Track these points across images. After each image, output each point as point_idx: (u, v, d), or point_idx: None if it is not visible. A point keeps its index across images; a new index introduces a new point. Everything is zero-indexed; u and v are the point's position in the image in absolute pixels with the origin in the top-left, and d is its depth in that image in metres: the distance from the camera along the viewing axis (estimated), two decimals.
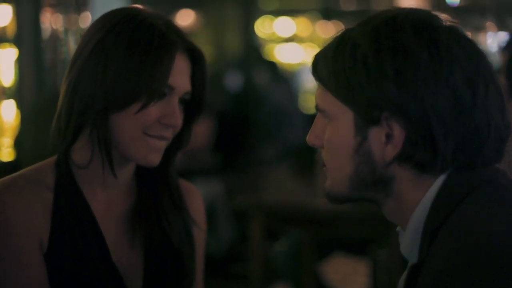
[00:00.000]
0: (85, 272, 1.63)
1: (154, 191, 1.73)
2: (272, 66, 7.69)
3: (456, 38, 1.29)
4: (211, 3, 8.53)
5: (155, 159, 1.63)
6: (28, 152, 4.52)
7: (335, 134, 1.33)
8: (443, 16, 1.33)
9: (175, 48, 1.60)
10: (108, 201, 1.69)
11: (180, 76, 1.62)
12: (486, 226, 1.19)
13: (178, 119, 1.62)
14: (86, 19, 6.10)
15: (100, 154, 1.62)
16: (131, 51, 1.58)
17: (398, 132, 1.27)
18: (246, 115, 7.29)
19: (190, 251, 1.75)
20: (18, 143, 5.10)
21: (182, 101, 1.64)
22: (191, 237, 1.76)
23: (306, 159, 4.70)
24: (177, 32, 1.63)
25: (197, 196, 1.84)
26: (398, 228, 1.40)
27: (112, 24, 1.61)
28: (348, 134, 1.31)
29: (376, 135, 1.29)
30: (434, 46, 1.26)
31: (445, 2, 8.54)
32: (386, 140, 1.29)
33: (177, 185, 1.76)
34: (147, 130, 1.60)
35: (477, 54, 1.30)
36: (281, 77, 7.58)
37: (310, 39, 9.57)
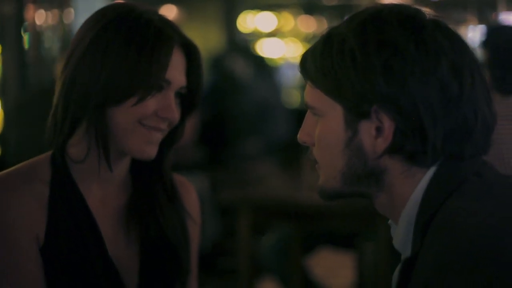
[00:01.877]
0: (82, 267, 1.64)
1: (149, 186, 1.75)
2: (257, 61, 7.69)
3: (441, 30, 1.31)
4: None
5: (151, 151, 1.64)
6: (13, 148, 4.50)
7: (326, 130, 1.35)
8: (426, 10, 1.35)
9: (172, 43, 1.62)
10: (103, 196, 1.70)
11: (176, 70, 1.64)
12: (477, 220, 1.21)
13: (175, 112, 1.64)
14: (69, 15, 6.08)
15: (97, 148, 1.63)
16: (128, 45, 1.60)
17: (388, 124, 1.28)
18: (230, 110, 7.29)
19: (186, 245, 1.76)
20: (3, 140, 5.08)
21: (178, 95, 1.66)
22: (186, 231, 1.78)
23: (291, 154, 4.71)
24: (173, 27, 1.65)
25: (191, 190, 1.85)
26: (389, 221, 1.42)
27: (109, 20, 1.62)
28: (339, 129, 1.33)
29: (366, 128, 1.31)
30: (420, 38, 1.28)
31: None
32: (376, 133, 1.30)
33: (171, 179, 1.78)
34: (143, 120, 1.62)
35: (462, 46, 1.32)
36: (266, 72, 7.58)
37: (293, 34, 9.57)
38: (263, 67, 7.69)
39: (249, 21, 9.44)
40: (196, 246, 1.84)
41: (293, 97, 8.67)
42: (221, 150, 6.72)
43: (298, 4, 9.63)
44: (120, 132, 1.62)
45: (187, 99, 1.69)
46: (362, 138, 1.32)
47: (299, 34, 9.56)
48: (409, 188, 1.31)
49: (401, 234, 1.33)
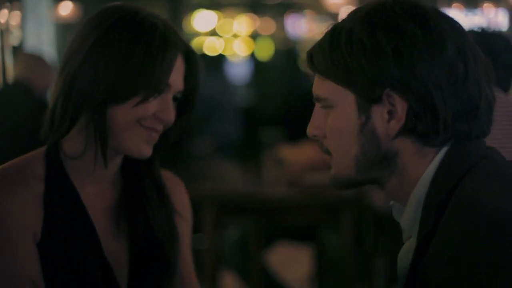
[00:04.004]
0: (77, 262, 1.66)
1: (139, 183, 1.77)
2: (204, 60, 7.70)
3: (442, 16, 1.39)
4: None
5: (147, 150, 1.67)
6: None
7: (339, 118, 1.40)
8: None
9: (177, 49, 1.65)
10: (96, 192, 1.72)
11: (177, 75, 1.66)
12: (497, 198, 1.27)
13: (172, 115, 1.66)
14: (17, 17, 6.04)
15: (95, 146, 1.65)
16: (134, 46, 1.62)
17: (401, 106, 1.34)
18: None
19: (173, 242, 1.78)
20: None
21: (174, 98, 1.68)
22: (173, 227, 1.79)
23: (248, 151, 4.75)
24: (176, 33, 1.68)
25: (181, 187, 1.86)
26: (392, 202, 1.46)
27: (113, 20, 1.64)
28: (352, 116, 1.38)
29: (378, 113, 1.37)
30: (425, 24, 1.36)
31: None
32: (389, 117, 1.36)
33: (160, 175, 1.79)
34: (142, 121, 1.64)
35: (461, 30, 1.40)
36: (215, 71, 7.60)
37: (238, 33, 9.62)
38: (210, 66, 7.71)
39: (195, 20, 9.45)
40: (189, 242, 1.85)
41: (241, 95, 8.70)
42: (171, 149, 6.71)
43: (242, 3, 9.67)
44: (119, 131, 1.64)
45: (182, 103, 1.72)
46: (375, 122, 1.37)
47: (244, 33, 9.62)
48: (421, 169, 1.37)
49: (410, 214, 1.38)
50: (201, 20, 9.50)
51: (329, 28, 1.44)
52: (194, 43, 9.00)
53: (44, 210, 1.65)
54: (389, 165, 1.39)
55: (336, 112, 1.41)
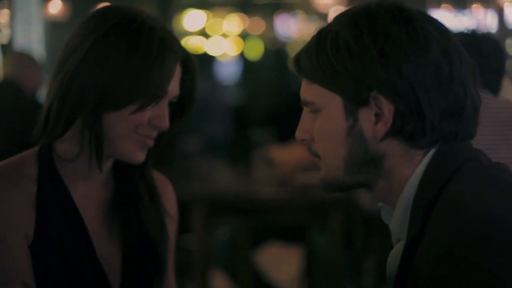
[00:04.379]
0: (69, 264, 1.65)
1: (131, 183, 1.76)
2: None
3: (427, 18, 1.41)
4: None
5: (141, 156, 1.67)
6: None
7: (327, 122, 1.41)
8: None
9: (176, 55, 1.64)
10: (88, 193, 1.71)
11: (174, 81, 1.65)
12: (482, 201, 1.29)
13: (167, 122, 1.65)
14: (5, 15, 6.03)
15: (89, 149, 1.64)
16: (132, 52, 1.60)
17: (388, 108, 1.36)
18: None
19: (164, 241, 1.78)
20: None
21: (169, 103, 1.67)
22: (164, 227, 1.79)
23: (237, 151, 4.75)
24: (175, 38, 1.66)
25: (169, 187, 1.86)
26: (380, 204, 1.47)
27: (112, 24, 1.62)
28: (339, 119, 1.39)
29: (365, 115, 1.38)
30: (410, 26, 1.37)
31: None
32: (376, 119, 1.37)
33: (152, 177, 1.79)
34: (138, 129, 1.63)
35: (447, 32, 1.41)
36: (204, 70, 7.61)
37: (227, 32, 9.63)
38: (199, 65, 7.70)
39: (184, 20, 9.45)
40: (174, 242, 1.85)
41: (231, 94, 8.70)
42: (161, 148, 6.69)
43: (232, 3, 9.68)
44: (114, 137, 1.63)
45: (177, 107, 1.71)
46: (362, 125, 1.38)
47: (234, 32, 9.62)
48: (408, 171, 1.39)
49: (398, 217, 1.40)
50: (191, 20, 9.50)
51: (316, 32, 1.45)
52: (184, 43, 8.99)
53: (36, 211, 1.65)
54: (376, 168, 1.40)
55: (323, 115, 1.42)
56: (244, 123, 7.07)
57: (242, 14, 9.64)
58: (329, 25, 1.44)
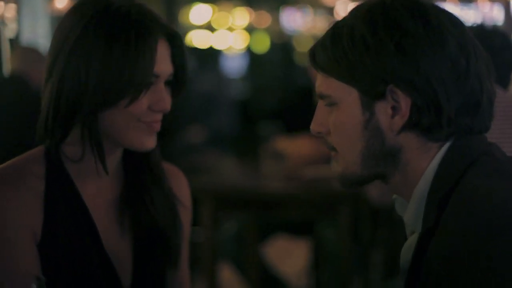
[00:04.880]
0: (79, 262, 1.65)
1: (139, 173, 1.75)
2: (201, 52, 7.69)
3: (442, 12, 1.41)
4: None
5: (151, 143, 1.65)
6: None
7: (343, 115, 1.42)
8: None
9: (155, 37, 1.60)
10: (98, 189, 1.70)
11: (163, 62, 1.62)
12: (497, 195, 1.29)
13: (168, 103, 1.63)
14: (12, 9, 6.02)
15: (92, 150, 1.63)
16: (110, 47, 1.57)
17: (405, 102, 1.37)
18: (174, 101, 7.26)
19: (176, 231, 1.77)
20: None
21: (167, 82, 1.65)
22: (176, 216, 1.78)
23: (245, 144, 4.74)
24: (152, 17, 1.61)
25: (181, 177, 1.85)
26: (395, 196, 1.48)
27: (87, 19, 1.59)
28: (356, 113, 1.40)
29: (382, 109, 1.39)
30: (426, 20, 1.38)
31: None
32: (393, 112, 1.38)
33: (160, 166, 1.77)
34: (141, 118, 1.62)
35: (462, 25, 1.42)
36: (210, 63, 7.60)
37: (233, 26, 9.61)
38: (205, 59, 7.70)
39: (191, 14, 9.44)
40: (188, 231, 1.85)
41: (237, 88, 8.70)
42: (166, 141, 6.71)
43: None
44: (118, 131, 1.62)
45: (174, 85, 1.68)
46: (379, 118, 1.39)
47: (239, 26, 9.61)
48: (424, 164, 1.39)
49: (413, 209, 1.41)
50: (197, 14, 9.48)
51: (331, 26, 1.45)
52: (190, 37, 8.99)
53: (44, 209, 1.64)
54: (393, 161, 1.41)
55: (340, 109, 1.42)
56: (251, 116, 7.07)
57: (248, 8, 9.63)
58: (344, 19, 1.44)
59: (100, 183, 1.71)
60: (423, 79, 1.35)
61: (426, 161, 1.39)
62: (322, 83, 1.45)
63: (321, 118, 1.46)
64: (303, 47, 9.46)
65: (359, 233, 4.09)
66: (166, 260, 1.76)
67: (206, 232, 4.14)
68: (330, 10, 8.96)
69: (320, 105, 1.47)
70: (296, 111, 4.67)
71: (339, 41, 1.40)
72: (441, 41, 1.37)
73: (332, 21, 1.48)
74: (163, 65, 1.63)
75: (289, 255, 5.21)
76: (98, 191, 1.71)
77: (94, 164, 1.65)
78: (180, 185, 1.84)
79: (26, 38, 6.40)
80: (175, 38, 1.66)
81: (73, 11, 1.65)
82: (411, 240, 1.44)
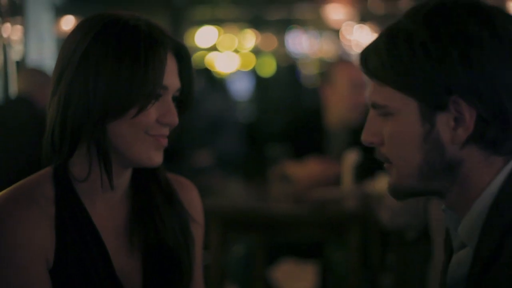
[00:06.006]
0: (90, 286, 1.62)
1: (148, 192, 1.73)
2: (207, 74, 7.70)
3: (506, 16, 1.33)
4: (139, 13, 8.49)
5: (159, 158, 1.63)
6: None
7: (401, 126, 1.34)
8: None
9: (165, 49, 1.60)
10: (107, 210, 1.68)
11: (171, 75, 1.62)
12: None
13: (175, 117, 1.62)
14: (18, 31, 6.03)
15: (99, 166, 1.61)
16: (120, 57, 1.57)
17: (469, 113, 1.29)
18: (182, 123, 7.26)
19: (187, 247, 1.74)
20: None
21: (174, 98, 1.64)
22: (187, 232, 1.75)
23: (253, 167, 4.71)
24: (161, 31, 1.62)
25: (192, 190, 1.82)
26: (443, 207, 1.41)
27: (96, 32, 1.59)
28: (415, 124, 1.33)
29: (444, 120, 1.31)
30: (491, 25, 1.30)
31: None
32: (455, 125, 1.31)
33: (166, 180, 1.75)
34: (149, 130, 1.60)
35: None
36: (217, 85, 7.60)
37: (240, 48, 9.62)
38: (214, 80, 7.71)
39: (197, 36, 9.45)
40: (200, 246, 1.82)
41: (243, 110, 8.69)
42: (173, 163, 6.72)
43: (244, 19, 9.69)
44: (126, 144, 1.60)
45: (181, 101, 1.67)
46: (440, 130, 1.32)
47: (245, 48, 9.62)
48: (486, 178, 1.32)
49: (469, 223, 1.33)
50: (203, 36, 9.49)
51: (385, 30, 1.37)
52: (196, 59, 8.99)
53: (56, 233, 1.61)
54: (452, 174, 1.34)
55: (397, 119, 1.35)
56: (258, 139, 7.05)
57: (254, 30, 9.63)
58: (400, 23, 1.36)
59: (109, 203, 1.68)
60: (490, 88, 1.28)
61: (488, 175, 1.32)
62: (376, 92, 1.37)
63: (374, 128, 1.39)
64: (309, 70, 9.46)
65: (369, 256, 4.05)
66: (178, 280, 1.74)
67: (214, 254, 4.10)
68: (336, 33, 8.96)
69: (372, 114, 1.40)
70: (303, 133, 4.64)
71: (395, 47, 1.33)
72: (508, 48, 1.29)
73: (388, 26, 1.38)
74: (172, 78, 1.62)
75: (297, 279, 5.17)
76: (108, 212, 1.69)
77: (98, 183, 1.63)
78: (192, 199, 1.81)
79: (32, 60, 6.41)
80: (183, 53, 1.66)
81: (80, 25, 1.64)
82: (461, 256, 1.37)
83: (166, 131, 1.62)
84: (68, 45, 1.62)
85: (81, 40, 1.60)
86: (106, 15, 1.62)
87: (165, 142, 1.63)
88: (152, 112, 1.59)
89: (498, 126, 1.29)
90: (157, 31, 1.60)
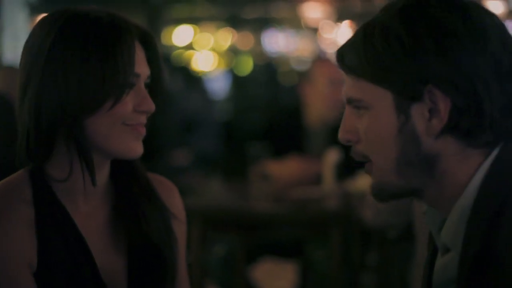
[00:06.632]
0: (73, 286, 1.60)
1: (129, 190, 1.70)
2: (185, 73, 7.68)
3: (481, 8, 1.33)
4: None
5: (138, 148, 1.61)
6: None
7: (376, 120, 1.33)
8: None
9: (132, 36, 1.57)
10: (89, 209, 1.66)
11: (140, 62, 1.59)
12: None
13: (152, 104, 1.60)
14: None
15: (80, 163, 1.58)
16: (87, 52, 1.54)
17: (443, 103, 1.28)
18: (158, 122, 7.24)
19: (170, 245, 1.73)
20: None
21: (145, 85, 1.62)
22: (170, 231, 1.73)
23: (232, 166, 4.70)
24: (124, 19, 1.59)
25: (172, 189, 1.80)
26: (426, 209, 1.39)
27: (58, 28, 1.56)
28: (391, 117, 1.31)
29: (419, 111, 1.30)
30: (466, 16, 1.29)
31: None
32: (430, 115, 1.29)
33: (146, 177, 1.73)
34: (126, 120, 1.58)
35: (501, 22, 1.34)
36: (195, 84, 7.58)
37: (217, 47, 9.62)
38: (191, 79, 7.69)
39: (173, 35, 9.44)
40: (184, 245, 1.80)
41: (220, 109, 8.68)
42: (150, 162, 6.67)
43: (220, 18, 9.69)
44: (104, 137, 1.57)
45: (151, 87, 1.65)
46: (415, 121, 1.30)
47: (222, 47, 9.63)
48: (464, 175, 1.30)
49: (452, 226, 1.32)
50: (179, 35, 9.48)
51: (361, 26, 1.37)
52: (173, 57, 8.97)
53: (37, 237, 1.58)
54: (430, 169, 1.31)
55: (372, 113, 1.34)
56: (236, 138, 7.04)
57: (231, 29, 9.63)
58: (376, 17, 1.36)
59: (91, 202, 1.66)
60: (465, 78, 1.27)
61: (466, 170, 1.30)
62: (352, 86, 1.36)
63: (349, 125, 1.37)
64: (286, 68, 9.47)
65: (350, 255, 4.04)
66: (162, 278, 1.72)
67: (194, 253, 4.08)
68: (314, 31, 8.97)
69: (348, 111, 1.38)
70: (283, 131, 4.63)
71: (371, 42, 1.32)
72: (483, 38, 1.29)
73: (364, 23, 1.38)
74: (142, 65, 1.60)
75: (277, 278, 5.16)
76: (89, 211, 1.66)
77: (82, 181, 1.60)
78: (172, 198, 1.79)
79: (8, 58, 6.37)
80: (149, 40, 1.63)
81: (40, 24, 1.60)
82: (446, 260, 1.35)
83: (143, 119, 1.60)
84: (30, 47, 1.58)
85: (44, 38, 1.56)
86: (64, 10, 1.59)
87: (143, 130, 1.61)
88: (128, 102, 1.57)
89: (472, 116, 1.28)
90: (120, 21, 1.57)
